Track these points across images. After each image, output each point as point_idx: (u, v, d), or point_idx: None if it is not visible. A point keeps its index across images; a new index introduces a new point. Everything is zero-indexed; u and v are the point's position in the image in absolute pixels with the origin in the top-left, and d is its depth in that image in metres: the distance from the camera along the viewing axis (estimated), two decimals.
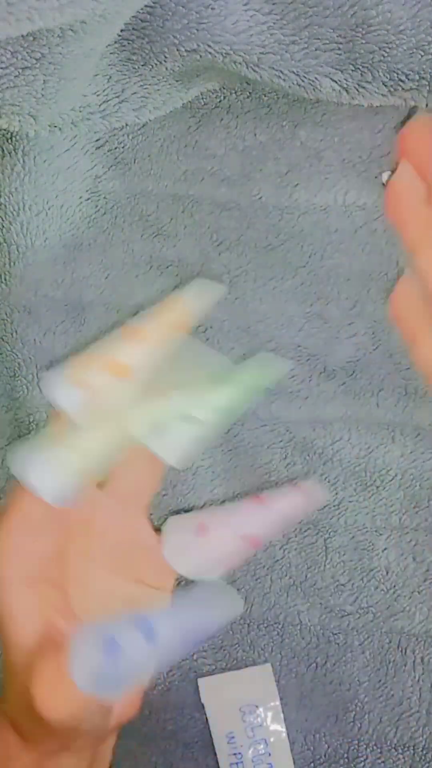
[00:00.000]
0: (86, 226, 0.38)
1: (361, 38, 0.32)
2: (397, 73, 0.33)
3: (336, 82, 0.33)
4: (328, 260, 0.37)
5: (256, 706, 0.41)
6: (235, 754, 0.41)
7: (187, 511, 0.39)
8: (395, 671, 0.39)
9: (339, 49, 0.32)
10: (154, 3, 0.32)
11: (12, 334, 0.38)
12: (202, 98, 0.36)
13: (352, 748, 0.39)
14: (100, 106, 0.35)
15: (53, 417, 0.36)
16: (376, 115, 0.36)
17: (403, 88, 0.33)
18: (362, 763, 0.39)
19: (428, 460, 0.38)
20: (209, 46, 0.32)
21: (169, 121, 0.37)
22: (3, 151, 0.36)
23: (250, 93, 0.36)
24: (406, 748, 0.39)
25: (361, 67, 0.32)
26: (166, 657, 0.31)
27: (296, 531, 0.40)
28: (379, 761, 0.39)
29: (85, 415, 0.34)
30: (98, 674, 0.30)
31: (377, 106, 0.35)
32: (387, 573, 0.39)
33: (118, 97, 0.35)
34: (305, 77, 0.33)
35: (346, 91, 0.33)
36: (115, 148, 0.37)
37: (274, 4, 0.31)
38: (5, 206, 0.37)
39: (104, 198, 0.38)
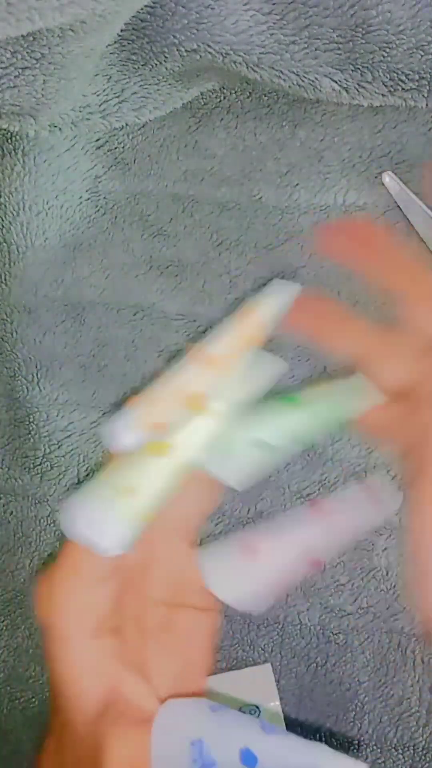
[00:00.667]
0: (86, 226, 0.38)
1: (361, 38, 0.32)
2: (397, 73, 0.33)
3: (336, 82, 0.33)
4: (328, 260, 0.37)
5: (257, 706, 0.41)
6: None
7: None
8: (395, 671, 0.39)
9: (339, 49, 0.32)
10: (154, 3, 0.32)
11: (12, 334, 0.38)
12: (202, 98, 0.36)
13: (352, 748, 0.39)
14: (100, 106, 0.35)
15: (107, 461, 0.32)
16: (376, 115, 0.36)
17: (403, 88, 0.33)
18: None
19: None
20: (209, 46, 0.32)
21: (169, 121, 0.37)
22: (3, 151, 0.36)
23: (250, 93, 0.36)
24: (406, 748, 0.39)
25: (361, 67, 0.32)
26: None
27: None
28: (379, 761, 0.39)
29: (148, 452, 0.31)
30: None
31: (377, 106, 0.35)
32: (387, 573, 0.39)
33: (118, 97, 0.35)
34: (305, 77, 0.33)
35: (346, 91, 0.33)
36: (115, 148, 0.37)
37: (274, 4, 0.31)
38: (5, 206, 0.37)
39: (104, 198, 0.37)
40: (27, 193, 0.37)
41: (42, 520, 0.39)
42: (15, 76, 0.29)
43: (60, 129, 0.35)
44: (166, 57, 0.33)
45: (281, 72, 0.32)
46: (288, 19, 0.31)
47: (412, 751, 0.39)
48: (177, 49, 0.32)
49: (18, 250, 0.37)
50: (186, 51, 0.32)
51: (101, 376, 0.38)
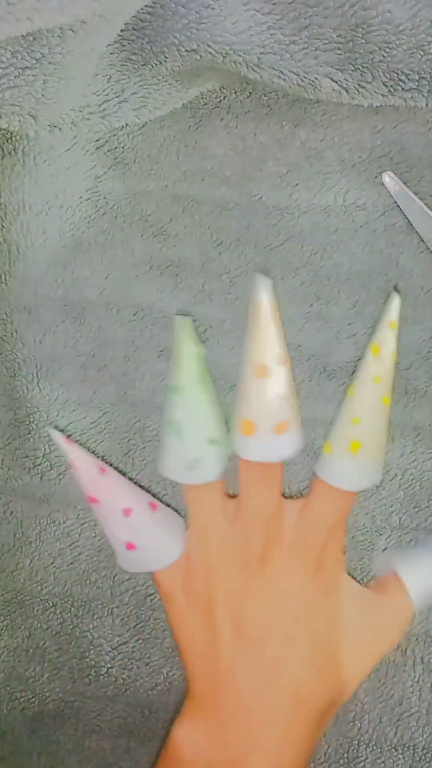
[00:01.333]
0: (86, 226, 0.38)
1: (361, 38, 0.32)
2: (397, 73, 0.33)
3: (336, 82, 0.33)
4: (328, 260, 0.37)
5: None
6: None
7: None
8: (395, 671, 0.39)
9: (339, 49, 0.32)
10: (154, 3, 0.32)
11: (12, 334, 0.38)
12: (202, 98, 0.36)
13: (352, 748, 0.39)
14: (100, 106, 0.35)
15: None
16: (376, 115, 0.36)
17: (403, 88, 0.33)
18: (362, 763, 0.39)
19: (428, 460, 0.38)
20: (209, 46, 0.32)
21: (169, 121, 0.37)
22: (3, 151, 0.36)
23: (250, 93, 0.36)
24: (406, 748, 0.39)
25: (361, 67, 0.32)
26: None
27: None
28: (379, 761, 0.39)
29: None
30: None
31: (377, 106, 0.35)
32: (386, 572, 0.39)
33: (118, 97, 0.35)
34: (305, 77, 0.33)
35: (346, 91, 0.33)
36: (115, 148, 0.37)
37: (274, 4, 0.31)
38: (5, 206, 0.37)
39: (104, 198, 0.38)
40: (27, 193, 0.37)
41: (42, 520, 0.39)
42: (15, 76, 0.29)
43: (60, 129, 0.35)
44: (166, 57, 0.33)
45: (281, 72, 0.32)
46: (288, 19, 0.31)
47: (412, 751, 0.39)
48: (177, 49, 0.32)
49: (18, 250, 0.37)
50: (186, 51, 0.32)
51: (101, 376, 0.38)
